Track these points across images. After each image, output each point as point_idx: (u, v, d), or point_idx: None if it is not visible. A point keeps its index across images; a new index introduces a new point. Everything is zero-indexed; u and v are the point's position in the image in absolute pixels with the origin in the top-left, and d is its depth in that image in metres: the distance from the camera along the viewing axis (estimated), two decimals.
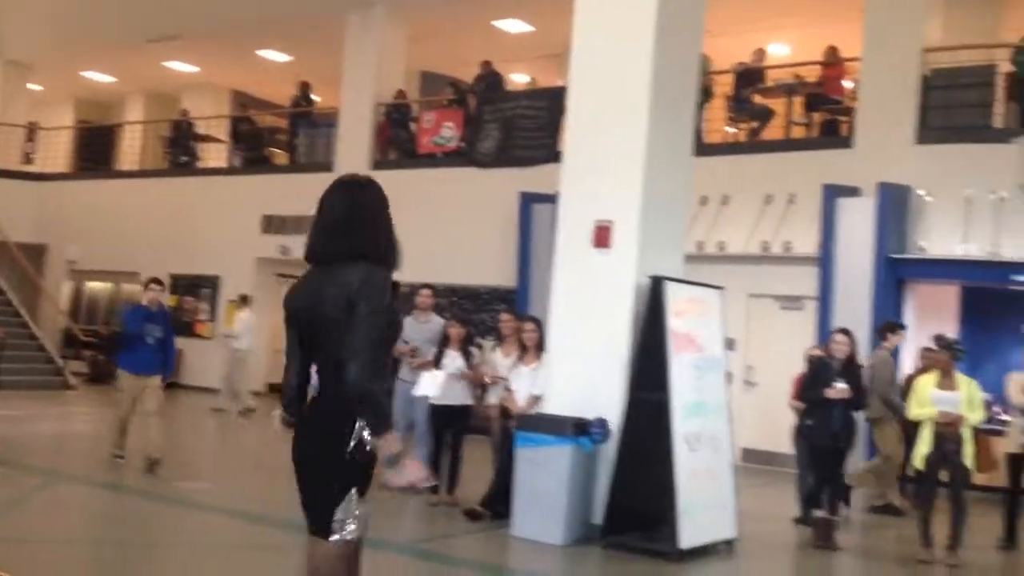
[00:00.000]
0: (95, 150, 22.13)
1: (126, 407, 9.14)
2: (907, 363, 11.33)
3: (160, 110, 22.08)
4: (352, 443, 3.06)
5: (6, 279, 18.24)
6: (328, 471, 3.09)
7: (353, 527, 3.10)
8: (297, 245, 17.82)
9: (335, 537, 3.09)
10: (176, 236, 18.99)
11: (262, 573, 5.97)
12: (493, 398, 8.34)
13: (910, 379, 9.23)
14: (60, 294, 20.46)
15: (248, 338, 14.72)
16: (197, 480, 8.96)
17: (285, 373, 3.33)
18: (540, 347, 8.01)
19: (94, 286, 21.47)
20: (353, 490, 3.09)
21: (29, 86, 22.20)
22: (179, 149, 20.38)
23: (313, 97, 19.31)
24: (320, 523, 3.11)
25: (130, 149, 21.76)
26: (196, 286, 17.37)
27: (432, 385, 8.16)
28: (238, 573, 5.92)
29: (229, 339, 14.83)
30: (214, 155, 20.49)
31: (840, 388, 7.61)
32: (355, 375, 2.97)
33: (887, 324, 9.86)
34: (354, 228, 3.20)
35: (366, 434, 3.05)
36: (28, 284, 18.87)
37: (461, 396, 8.37)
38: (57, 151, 22.20)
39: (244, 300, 15.29)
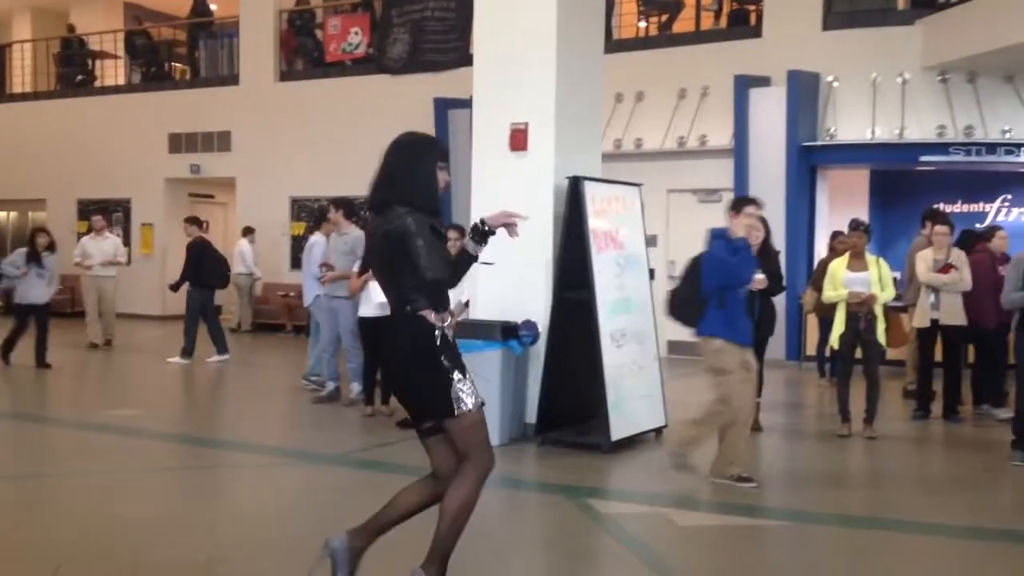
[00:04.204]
0: None
1: (740, 395, 6.01)
2: (820, 248, 11.71)
3: (49, 27, 20.93)
4: (438, 341, 3.68)
5: None
6: (429, 370, 3.69)
7: (469, 399, 3.70)
8: (207, 163, 17.46)
9: (458, 411, 3.68)
10: (81, 160, 18.30)
11: (195, 491, 5.99)
12: None
13: (823, 264, 9.53)
14: None
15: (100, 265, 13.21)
16: (123, 408, 8.86)
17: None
18: None
19: None
20: (455, 373, 3.69)
21: None
22: (73, 68, 19.46)
23: (211, 6, 18.52)
24: (443, 409, 3.70)
25: (21, 70, 20.66)
26: (107, 211, 16.82)
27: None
28: (172, 493, 5.93)
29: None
30: (111, 72, 19.62)
31: (758, 279, 7.79)
32: (428, 273, 3.64)
33: (927, 211, 9.55)
34: (397, 179, 3.77)
35: (447, 330, 3.70)
36: None
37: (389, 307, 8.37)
38: None
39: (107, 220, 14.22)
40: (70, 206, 18.73)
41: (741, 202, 6.26)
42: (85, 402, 9.70)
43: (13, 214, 20.50)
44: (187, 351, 11.67)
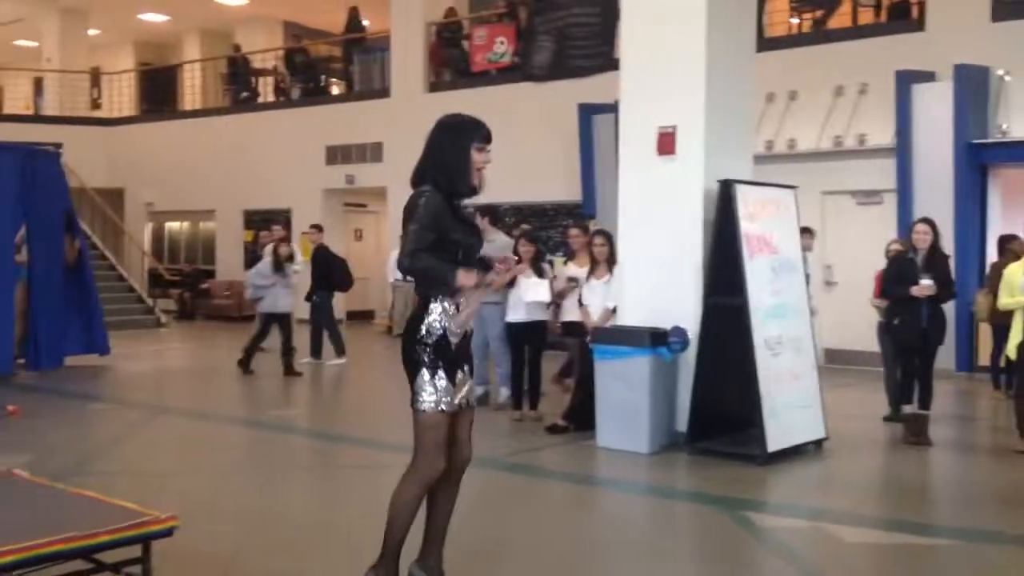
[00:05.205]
0: (158, 92, 22.35)
1: None
2: (992, 252, 11.01)
3: (216, 47, 22.15)
4: (423, 329, 3.68)
5: (88, 224, 18.67)
6: (405, 352, 3.74)
7: (426, 401, 3.67)
8: (361, 174, 18.03)
9: (415, 403, 3.71)
10: (245, 172, 19.25)
11: (344, 490, 6.15)
12: (570, 314, 8.35)
13: (996, 268, 8.96)
14: (142, 236, 20.94)
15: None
16: (288, 407, 9.24)
17: None
18: (611, 260, 7.97)
19: (173, 226, 21.95)
20: (423, 369, 3.67)
21: (88, 31, 22.43)
22: (238, 85, 20.50)
23: (364, 23, 19.13)
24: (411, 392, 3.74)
25: (191, 88, 21.97)
26: (270, 221, 17.61)
27: (540, 291, 8.22)
28: (334, 490, 6.11)
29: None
30: (273, 89, 20.55)
31: (925, 285, 7.38)
32: (398, 263, 3.70)
33: None
34: (431, 158, 3.79)
35: (437, 320, 3.67)
36: (110, 228, 19.34)
37: (537, 312, 8.42)
38: (122, 95, 22.57)
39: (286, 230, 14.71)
40: (237, 216, 19.74)
41: None
42: (253, 402, 10.13)
43: (185, 224, 21.74)
44: (340, 350, 12.11)
